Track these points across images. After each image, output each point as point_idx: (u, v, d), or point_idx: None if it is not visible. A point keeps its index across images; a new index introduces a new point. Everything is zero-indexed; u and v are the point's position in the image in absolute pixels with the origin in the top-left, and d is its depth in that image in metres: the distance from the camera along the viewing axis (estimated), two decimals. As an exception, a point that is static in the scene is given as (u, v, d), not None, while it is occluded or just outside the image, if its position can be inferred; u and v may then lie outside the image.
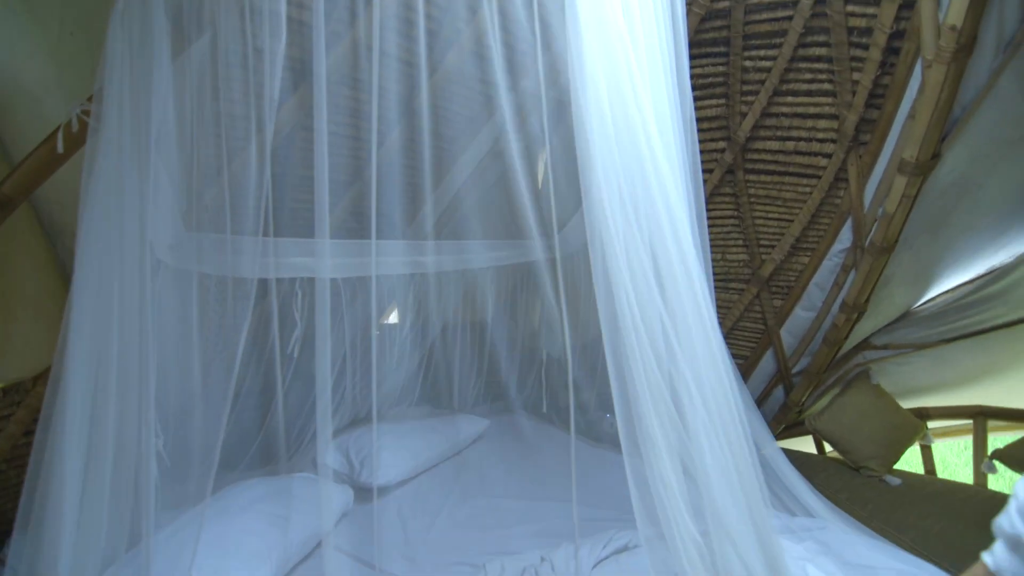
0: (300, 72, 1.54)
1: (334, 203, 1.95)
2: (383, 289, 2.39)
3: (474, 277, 2.90)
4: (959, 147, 1.98)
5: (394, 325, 2.58)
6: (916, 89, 1.97)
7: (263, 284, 1.78)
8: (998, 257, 2.48)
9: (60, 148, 1.32)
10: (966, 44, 1.70)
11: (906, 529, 2.42)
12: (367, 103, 1.89)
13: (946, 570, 2.04)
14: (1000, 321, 2.64)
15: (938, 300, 2.73)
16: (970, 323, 2.70)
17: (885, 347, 2.95)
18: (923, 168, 2.03)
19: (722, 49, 2.37)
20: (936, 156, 2.00)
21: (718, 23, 2.31)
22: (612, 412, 2.84)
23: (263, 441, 2.09)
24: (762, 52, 2.30)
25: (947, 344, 2.82)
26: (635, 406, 1.33)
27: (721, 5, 2.23)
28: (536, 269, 3.14)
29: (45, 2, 1.45)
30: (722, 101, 2.51)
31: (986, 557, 0.62)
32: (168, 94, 1.27)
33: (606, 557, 1.70)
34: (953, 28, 1.68)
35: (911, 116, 2.00)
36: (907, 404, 2.98)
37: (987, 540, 2.31)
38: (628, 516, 1.94)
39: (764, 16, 2.20)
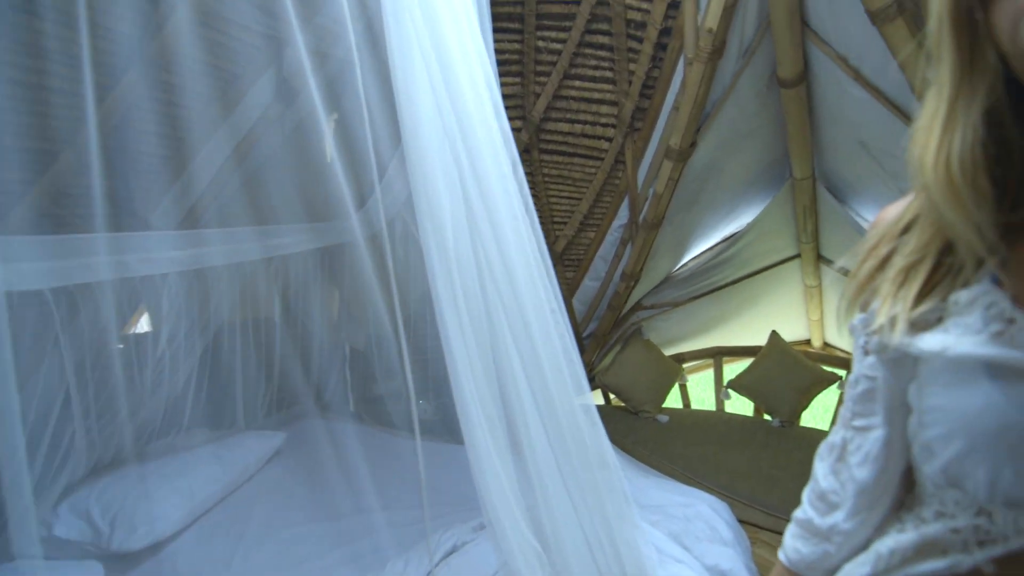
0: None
1: (26, 185, 1.37)
2: (124, 292, 1.83)
3: (254, 269, 2.45)
4: (709, 137, 2.31)
5: (146, 335, 2.02)
6: (679, 83, 2.22)
7: None
8: (730, 228, 3.04)
9: None
10: (719, 47, 1.95)
11: (676, 459, 2.89)
12: (73, 43, 1.36)
13: (708, 488, 2.50)
14: (731, 279, 3.27)
15: (689, 265, 3.25)
16: (711, 282, 3.29)
17: (652, 307, 3.42)
18: (684, 154, 2.32)
19: (517, 26, 2.34)
20: (693, 144, 2.30)
21: (511, -3, 2.27)
22: (427, 399, 2.74)
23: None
24: (554, 33, 2.33)
25: (694, 300, 3.39)
26: (461, 392, 1.24)
27: (515, -21, 2.18)
28: (333, 254, 2.82)
29: None
30: (517, 80, 2.51)
31: (780, 555, 0.67)
32: None
33: (437, 563, 1.61)
34: (710, 31, 1.90)
35: (675, 108, 2.26)
36: (668, 352, 3.55)
37: (730, 452, 2.86)
38: (453, 511, 1.89)
39: (555, -3, 2.23)
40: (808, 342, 3.68)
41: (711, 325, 3.57)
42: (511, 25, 2.36)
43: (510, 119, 2.58)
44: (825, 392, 3.14)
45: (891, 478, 0.56)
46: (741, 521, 2.34)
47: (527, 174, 2.83)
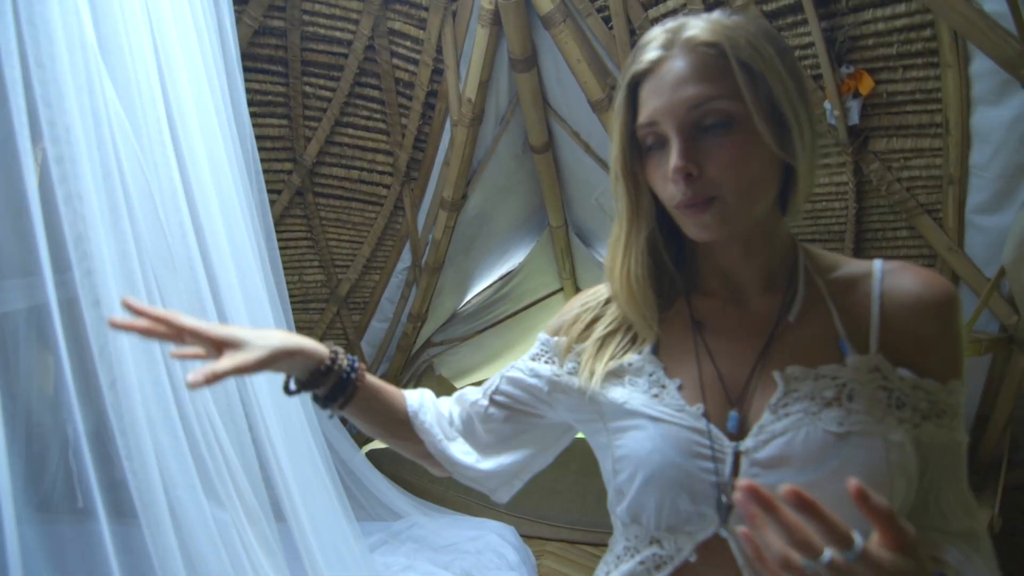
0: None
1: None
2: None
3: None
4: (478, 190, 2.52)
5: None
6: (448, 140, 2.38)
7: None
8: (505, 267, 3.34)
9: None
10: (478, 114, 2.16)
11: (469, 489, 3.01)
12: None
13: (497, 513, 2.66)
14: (510, 312, 3.58)
15: (473, 302, 3.46)
16: (494, 315, 3.55)
17: (442, 343, 3.55)
18: (456, 205, 2.49)
19: (280, 68, 2.24)
20: (464, 196, 2.49)
21: (273, 40, 2.17)
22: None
23: None
24: (322, 81, 2.30)
25: (480, 333, 3.62)
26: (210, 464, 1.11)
27: (275, 23, 2.10)
28: (43, 314, 2.26)
29: None
30: (285, 122, 2.40)
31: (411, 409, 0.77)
32: None
33: None
34: (470, 100, 2.10)
35: (446, 163, 2.42)
36: (462, 383, 3.71)
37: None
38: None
39: (321, 47, 2.20)
40: (577, 361, 4.22)
41: (498, 354, 3.84)
42: (274, 67, 2.25)
43: (279, 160, 2.48)
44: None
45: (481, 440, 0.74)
46: (529, 537, 2.55)
47: (302, 217, 2.71)
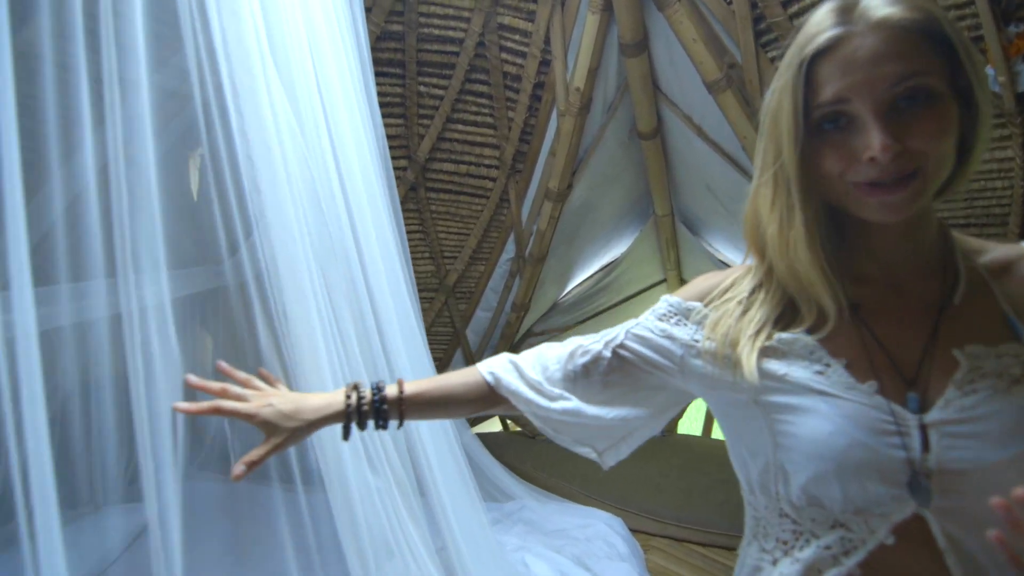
0: None
1: None
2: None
3: (106, 323, 2.17)
4: (583, 180, 2.52)
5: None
6: (554, 131, 2.40)
7: None
8: (607, 258, 3.31)
9: None
10: (586, 103, 2.16)
11: (573, 478, 3.04)
12: None
13: (603, 504, 2.67)
14: (609, 304, 3.54)
15: (573, 292, 3.47)
16: (593, 308, 3.53)
17: (543, 333, 3.59)
18: (562, 196, 2.51)
19: (398, 71, 2.38)
20: (570, 187, 2.50)
21: (392, 44, 2.31)
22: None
23: None
24: (435, 80, 2.41)
25: (580, 325, 3.62)
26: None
27: (394, 28, 2.23)
28: (205, 299, 2.59)
29: None
30: (401, 121, 2.54)
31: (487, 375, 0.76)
32: None
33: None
34: (578, 89, 2.11)
35: (552, 153, 2.44)
36: (559, 375, 3.73)
37: (620, 465, 3.10)
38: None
39: (435, 47, 2.31)
40: (678, 355, 4.08)
41: (595, 346, 3.82)
42: (392, 70, 2.40)
43: (395, 158, 2.64)
44: (696, 401, 3.51)
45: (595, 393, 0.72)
46: (634, 531, 2.53)
47: (415, 211, 2.87)
